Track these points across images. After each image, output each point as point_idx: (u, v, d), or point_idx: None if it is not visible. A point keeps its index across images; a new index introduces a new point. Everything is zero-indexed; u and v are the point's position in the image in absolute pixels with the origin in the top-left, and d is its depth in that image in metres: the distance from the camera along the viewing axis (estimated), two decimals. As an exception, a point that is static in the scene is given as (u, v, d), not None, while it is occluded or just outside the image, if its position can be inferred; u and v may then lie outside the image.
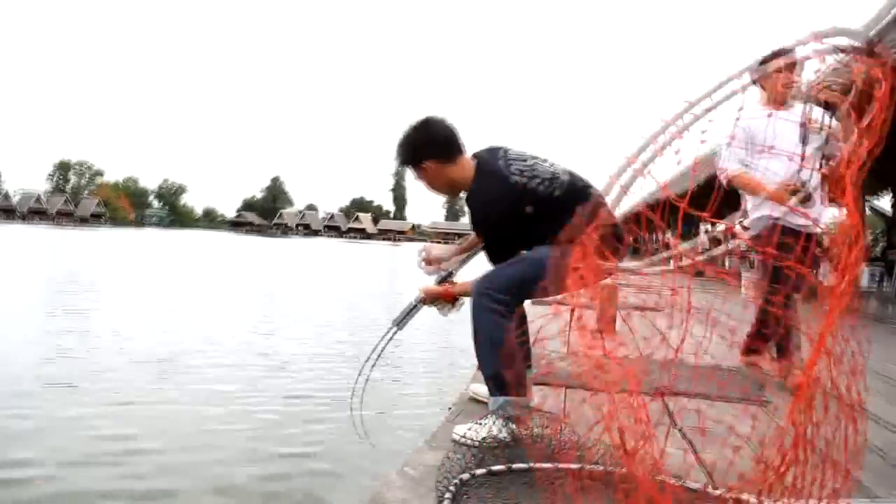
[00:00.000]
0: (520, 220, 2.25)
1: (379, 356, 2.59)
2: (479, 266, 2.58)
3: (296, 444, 3.92)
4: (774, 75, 3.35)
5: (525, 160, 2.33)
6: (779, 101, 3.48)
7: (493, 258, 2.33)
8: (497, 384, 2.18)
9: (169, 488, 3.17)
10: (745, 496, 1.63)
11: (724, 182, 3.45)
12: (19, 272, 15.33)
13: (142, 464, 3.42)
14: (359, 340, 7.68)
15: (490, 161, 2.31)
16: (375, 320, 8.99)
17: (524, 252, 2.30)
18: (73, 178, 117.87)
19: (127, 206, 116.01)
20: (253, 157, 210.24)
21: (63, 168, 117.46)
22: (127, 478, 3.23)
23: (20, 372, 5.04)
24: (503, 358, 2.18)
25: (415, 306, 2.59)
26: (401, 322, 2.62)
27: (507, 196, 2.23)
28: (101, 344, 6.55)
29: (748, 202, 3.67)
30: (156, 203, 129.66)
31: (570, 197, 2.28)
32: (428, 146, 2.32)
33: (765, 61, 3.32)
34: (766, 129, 3.29)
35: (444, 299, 2.53)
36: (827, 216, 3.49)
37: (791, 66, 3.27)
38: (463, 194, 2.44)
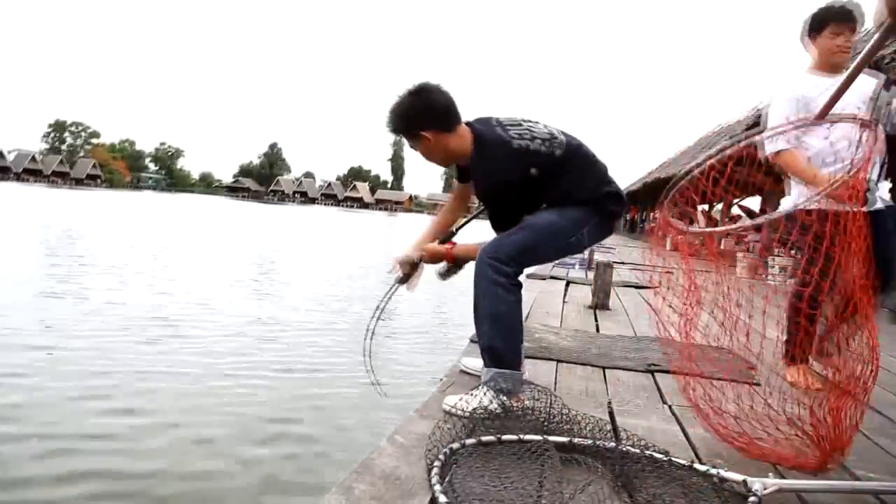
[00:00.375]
0: (525, 184, 2.24)
1: (381, 311, 2.57)
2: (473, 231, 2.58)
3: (287, 412, 3.95)
4: (829, 35, 2.89)
5: (520, 124, 2.32)
6: (835, 66, 2.91)
7: (498, 226, 2.31)
8: (492, 356, 2.19)
9: (159, 458, 3.20)
10: (729, 474, 1.65)
11: (765, 160, 2.99)
12: (14, 233, 15.26)
13: (136, 436, 3.44)
14: (354, 310, 7.72)
15: (487, 129, 2.29)
16: (370, 290, 9.01)
17: (528, 218, 2.29)
18: (68, 139, 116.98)
19: (123, 168, 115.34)
20: (251, 123, 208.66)
21: (59, 128, 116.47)
22: (122, 453, 3.21)
23: (7, 340, 5.02)
24: (502, 331, 2.19)
25: (416, 264, 2.57)
26: (404, 280, 2.60)
27: (511, 159, 2.21)
28: (96, 310, 6.53)
29: (791, 184, 3.19)
30: (152, 166, 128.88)
31: (569, 156, 2.30)
32: (426, 115, 2.27)
33: (817, 20, 2.96)
34: (821, 99, 2.58)
35: (444, 259, 2.51)
36: (884, 192, 3.04)
37: (848, 25, 2.88)
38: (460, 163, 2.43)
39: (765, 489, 1.57)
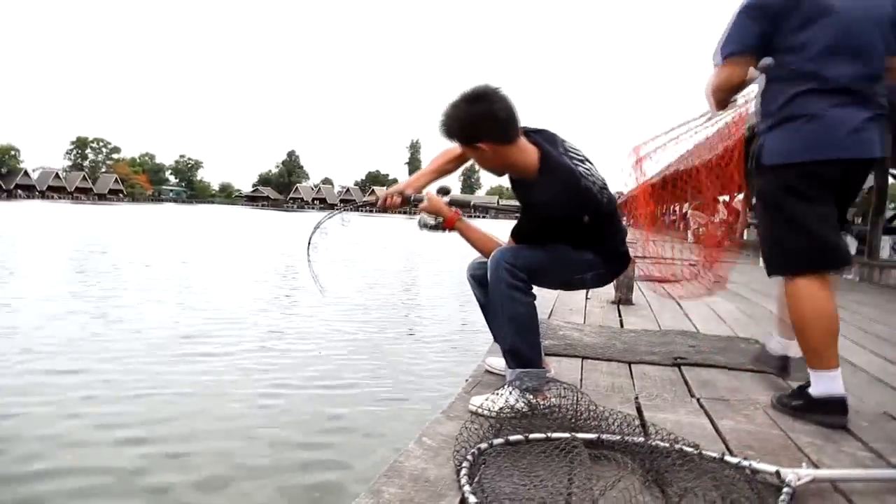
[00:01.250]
0: (573, 224, 2.23)
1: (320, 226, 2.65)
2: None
3: (315, 417, 3.98)
4: None
5: (582, 158, 2.27)
6: None
7: (522, 237, 2.27)
8: (515, 358, 2.20)
9: (185, 466, 3.24)
10: (761, 465, 1.63)
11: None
12: (41, 251, 15.54)
13: (155, 448, 3.49)
14: (376, 317, 7.75)
15: (556, 154, 2.20)
16: (392, 296, 9.04)
17: (554, 246, 2.28)
18: (90, 155, 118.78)
19: (144, 182, 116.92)
20: (269, 132, 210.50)
21: (81, 145, 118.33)
22: (143, 468, 3.27)
23: (33, 355, 5.08)
24: (523, 332, 2.19)
25: (407, 200, 2.53)
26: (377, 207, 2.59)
27: (577, 198, 2.16)
28: (120, 325, 6.63)
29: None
30: (172, 179, 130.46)
31: (611, 209, 2.32)
32: (485, 125, 2.10)
33: None
34: None
35: (444, 222, 2.44)
36: None
37: None
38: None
39: (798, 479, 1.55)
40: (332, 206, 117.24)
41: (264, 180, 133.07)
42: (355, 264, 14.65)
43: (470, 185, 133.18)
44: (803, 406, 2.23)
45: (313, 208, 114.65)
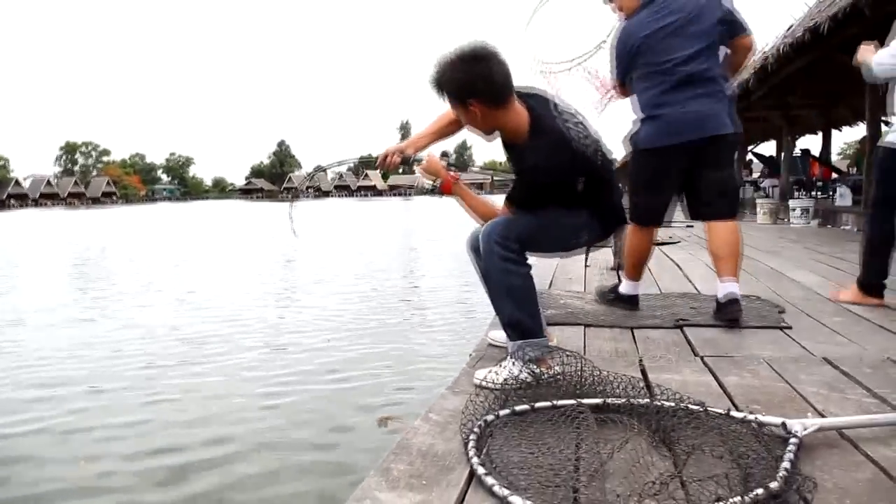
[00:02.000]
0: (567, 188, 2.21)
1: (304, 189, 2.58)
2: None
3: (322, 399, 4.01)
4: None
5: (577, 121, 2.22)
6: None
7: (516, 203, 2.23)
8: (515, 330, 2.19)
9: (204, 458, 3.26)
10: (767, 418, 1.64)
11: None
12: (38, 256, 15.51)
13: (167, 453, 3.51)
14: (378, 304, 7.76)
15: (547, 117, 2.16)
16: (394, 286, 9.05)
17: (546, 211, 2.25)
18: (80, 160, 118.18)
19: (137, 182, 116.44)
20: (257, 124, 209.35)
21: (70, 150, 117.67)
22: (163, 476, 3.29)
23: (42, 365, 5.09)
24: (520, 302, 2.18)
25: (407, 159, 2.46)
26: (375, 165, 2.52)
27: (568, 163, 2.14)
28: (123, 331, 6.63)
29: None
30: (164, 177, 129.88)
31: (607, 169, 2.30)
32: (480, 86, 2.05)
33: None
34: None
35: (442, 186, 2.37)
36: None
37: None
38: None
39: (804, 429, 1.55)
40: (326, 194, 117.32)
41: (257, 172, 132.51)
42: (353, 248, 14.65)
43: (463, 160, 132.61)
44: (613, 298, 3.39)
45: (308, 197, 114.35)
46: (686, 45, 2.86)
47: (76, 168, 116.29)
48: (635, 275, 3.32)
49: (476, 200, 2.37)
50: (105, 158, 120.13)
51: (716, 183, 2.99)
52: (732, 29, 2.94)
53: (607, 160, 2.31)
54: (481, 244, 2.19)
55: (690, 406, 1.72)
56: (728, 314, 2.93)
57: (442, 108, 2.29)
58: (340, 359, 4.99)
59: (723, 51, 2.95)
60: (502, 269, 2.14)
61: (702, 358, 2.44)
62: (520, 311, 2.17)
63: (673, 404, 1.74)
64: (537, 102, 2.21)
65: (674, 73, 2.86)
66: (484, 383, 2.06)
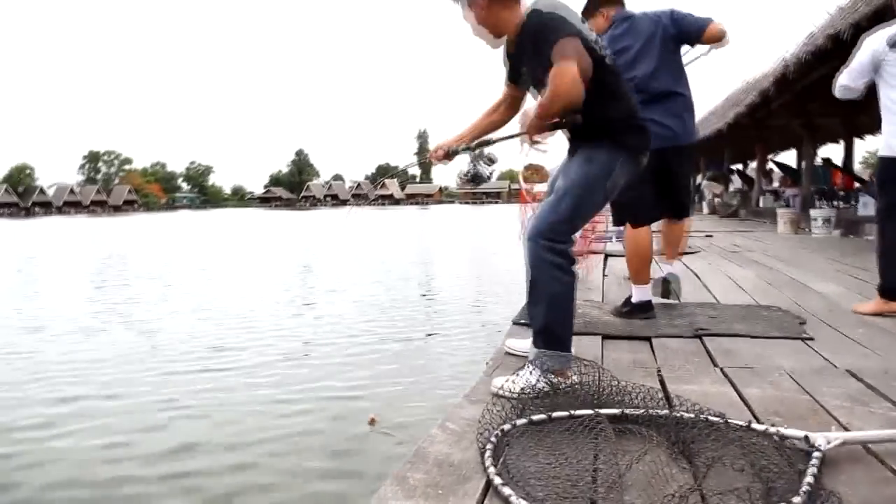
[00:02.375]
0: None
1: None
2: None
3: (339, 406, 4.01)
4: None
5: (583, 20, 2.17)
6: None
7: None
8: (547, 337, 2.15)
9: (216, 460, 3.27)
10: (790, 430, 1.61)
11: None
12: (61, 263, 15.73)
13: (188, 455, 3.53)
14: (396, 314, 7.76)
15: (544, 7, 2.08)
16: (411, 293, 9.06)
17: (560, 181, 2.21)
18: (103, 168, 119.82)
19: (157, 190, 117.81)
20: (276, 133, 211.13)
21: (93, 158, 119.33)
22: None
23: (60, 372, 5.14)
24: (559, 312, 2.16)
25: (454, 154, 2.42)
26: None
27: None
28: (145, 339, 6.68)
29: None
30: (185, 186, 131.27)
31: (613, 70, 2.21)
32: None
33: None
34: None
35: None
36: None
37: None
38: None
39: (828, 443, 1.52)
40: (344, 203, 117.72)
41: (275, 181, 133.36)
42: (372, 254, 14.69)
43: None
44: (628, 311, 3.35)
45: (325, 205, 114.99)
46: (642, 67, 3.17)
47: (99, 176, 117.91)
48: (642, 278, 3.37)
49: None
50: (127, 167, 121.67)
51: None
52: (688, 35, 3.20)
53: (614, 65, 2.23)
54: (528, 247, 2.15)
55: (710, 418, 1.69)
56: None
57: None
58: (357, 366, 5.00)
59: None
60: (549, 276, 2.11)
61: (721, 369, 2.41)
62: (554, 320, 2.15)
63: (693, 416, 1.72)
64: (542, 4, 2.13)
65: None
66: (501, 392, 2.05)
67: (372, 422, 3.69)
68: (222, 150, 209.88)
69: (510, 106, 2.48)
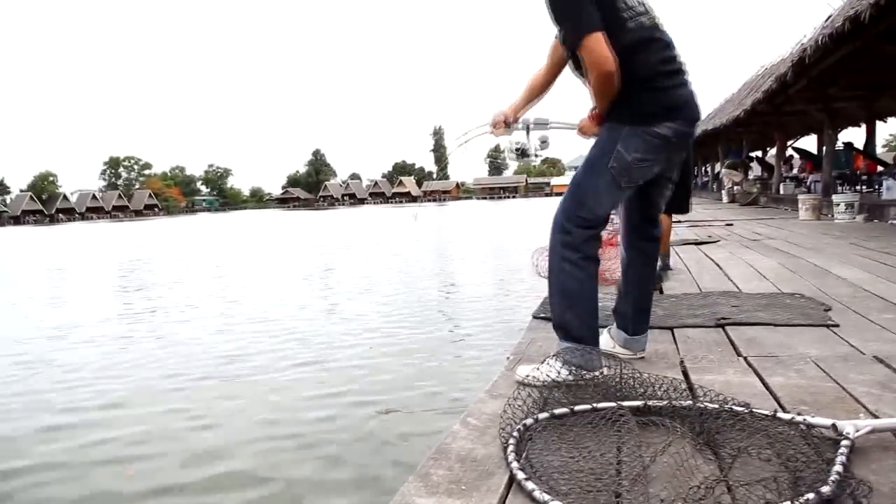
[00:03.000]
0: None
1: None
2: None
3: (361, 402, 4.03)
4: None
5: None
6: None
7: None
8: (564, 331, 2.15)
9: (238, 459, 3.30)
10: (816, 419, 1.58)
11: None
12: (85, 269, 15.95)
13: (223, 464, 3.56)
14: (413, 312, 7.77)
15: None
16: (431, 290, 9.07)
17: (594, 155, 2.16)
18: (123, 173, 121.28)
19: (177, 194, 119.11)
20: (293, 133, 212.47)
21: (113, 164, 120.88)
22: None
23: (81, 378, 5.20)
24: (573, 306, 2.14)
25: (509, 125, 2.43)
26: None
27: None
28: (169, 345, 6.76)
29: None
30: (204, 189, 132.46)
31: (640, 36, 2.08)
32: None
33: None
34: None
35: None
36: None
37: None
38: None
39: (857, 431, 1.50)
40: (361, 201, 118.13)
41: (293, 181, 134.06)
42: (390, 249, 14.73)
43: (497, 166, 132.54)
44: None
45: (343, 204, 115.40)
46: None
47: (120, 182, 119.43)
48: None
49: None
50: (147, 172, 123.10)
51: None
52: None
53: (642, 27, 2.08)
54: (549, 237, 2.16)
55: (735, 408, 1.67)
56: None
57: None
58: (377, 365, 5.01)
59: None
60: (559, 270, 2.11)
61: (745, 358, 2.38)
62: (571, 314, 2.14)
63: (717, 406, 1.70)
64: None
65: None
66: (527, 380, 2.05)
67: (386, 412, 3.75)
68: (240, 152, 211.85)
69: (553, 58, 2.41)
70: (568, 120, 2.43)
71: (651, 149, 2.08)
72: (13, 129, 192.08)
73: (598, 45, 1.96)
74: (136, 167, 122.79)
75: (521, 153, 2.46)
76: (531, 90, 2.47)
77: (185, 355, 5.62)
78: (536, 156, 2.51)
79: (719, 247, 6.47)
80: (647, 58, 2.07)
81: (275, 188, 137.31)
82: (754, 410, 1.65)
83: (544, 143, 2.50)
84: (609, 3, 2.02)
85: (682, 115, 2.11)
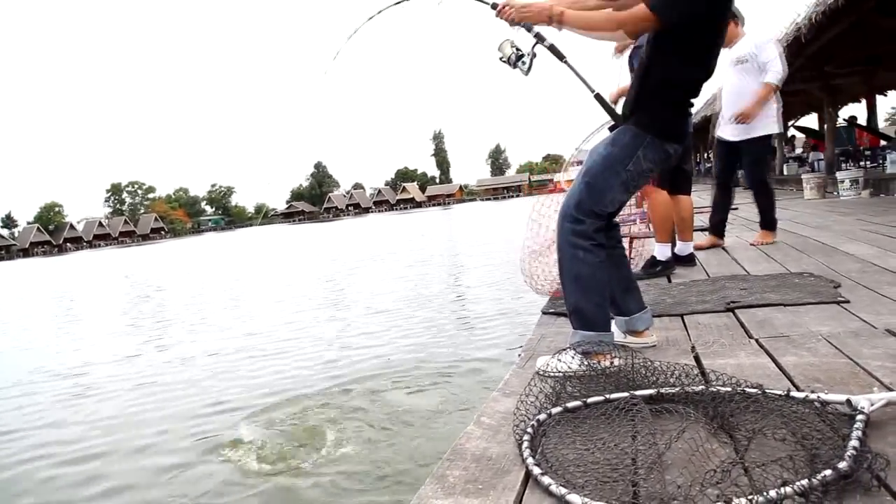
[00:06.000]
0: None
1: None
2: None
3: (380, 406, 4.04)
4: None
5: None
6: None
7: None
8: (578, 318, 2.18)
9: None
10: (830, 396, 1.58)
11: None
12: (95, 295, 16.04)
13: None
14: (426, 315, 7.78)
15: None
16: (441, 294, 9.07)
17: (584, 164, 2.21)
18: (127, 199, 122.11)
19: (183, 216, 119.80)
20: (293, 148, 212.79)
21: (116, 191, 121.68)
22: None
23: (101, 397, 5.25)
24: (585, 292, 2.16)
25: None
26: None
27: None
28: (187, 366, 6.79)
29: None
30: (208, 209, 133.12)
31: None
32: None
33: None
34: None
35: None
36: None
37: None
38: None
39: (871, 405, 1.49)
40: (366, 210, 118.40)
41: (297, 195, 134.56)
42: (400, 257, 14.74)
43: (499, 166, 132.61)
44: (660, 269, 4.07)
45: (348, 215, 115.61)
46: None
47: (124, 207, 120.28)
48: (664, 235, 4.08)
49: (588, 17, 2.10)
50: (151, 195, 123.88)
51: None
52: None
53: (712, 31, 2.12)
54: (558, 222, 2.19)
55: (748, 390, 1.67)
56: (689, 261, 4.30)
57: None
58: (390, 363, 5.03)
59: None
60: (571, 255, 2.14)
61: (756, 340, 2.37)
62: (584, 301, 2.16)
63: (730, 389, 1.69)
64: None
65: None
66: (546, 370, 2.08)
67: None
68: (242, 169, 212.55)
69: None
70: (587, 77, 2.19)
71: (659, 162, 2.21)
72: (17, 161, 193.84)
73: (648, 25, 2.03)
74: (139, 192, 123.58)
75: (513, 59, 2.19)
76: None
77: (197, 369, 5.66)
78: (520, 68, 2.19)
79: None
80: (694, 82, 2.18)
81: (279, 203, 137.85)
82: (767, 391, 1.64)
83: (529, 63, 2.20)
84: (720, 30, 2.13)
85: (683, 141, 2.24)
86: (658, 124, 2.16)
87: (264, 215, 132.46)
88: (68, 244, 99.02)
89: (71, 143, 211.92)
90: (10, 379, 6.44)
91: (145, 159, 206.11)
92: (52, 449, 4.12)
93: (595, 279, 2.16)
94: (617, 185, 2.19)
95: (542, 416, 1.69)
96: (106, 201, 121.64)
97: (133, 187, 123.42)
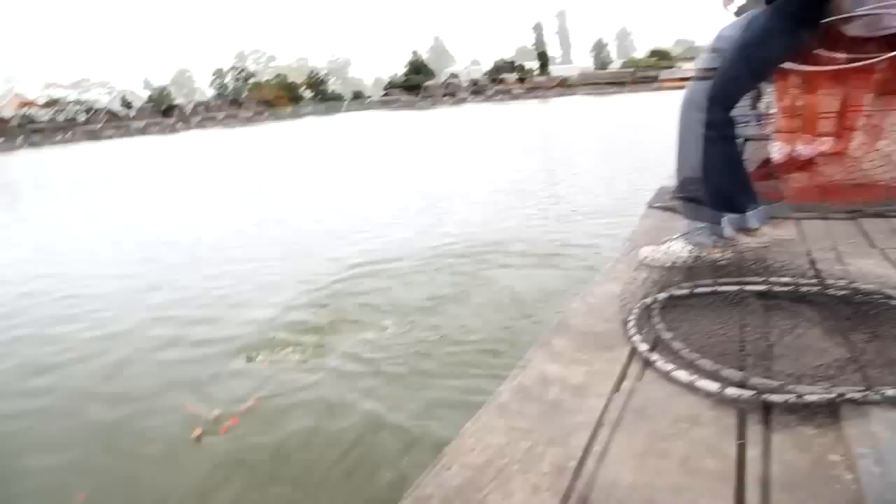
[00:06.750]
0: None
1: None
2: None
3: (476, 297, 4.15)
4: None
5: None
6: None
7: None
8: (721, 201, 2.08)
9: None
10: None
11: None
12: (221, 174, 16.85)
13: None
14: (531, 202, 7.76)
15: None
16: (543, 184, 8.96)
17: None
18: (230, 84, 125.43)
19: (284, 100, 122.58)
20: (411, 18, 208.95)
21: (240, 58, 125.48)
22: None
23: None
24: (722, 175, 2.07)
25: None
26: None
27: None
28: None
29: None
30: (307, 94, 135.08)
31: None
32: None
33: None
34: None
35: None
36: None
37: None
38: None
39: None
40: (462, 100, 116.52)
41: (414, 67, 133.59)
42: (490, 156, 14.59)
43: (602, 60, 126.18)
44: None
45: (444, 103, 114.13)
46: None
47: (227, 92, 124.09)
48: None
49: None
50: (272, 64, 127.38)
51: None
52: None
53: None
54: (678, 114, 2.10)
55: (869, 293, 1.60)
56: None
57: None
58: (491, 255, 5.12)
59: None
60: (696, 141, 2.04)
61: (882, 250, 2.23)
62: (725, 182, 2.07)
63: (847, 291, 1.63)
64: None
65: None
66: (648, 261, 2.08)
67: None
68: (362, 38, 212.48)
69: None
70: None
71: (791, 49, 2.13)
72: (151, 25, 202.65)
73: None
74: (261, 59, 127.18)
75: None
76: None
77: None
78: None
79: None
80: None
81: (396, 72, 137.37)
82: (890, 293, 1.57)
83: None
84: None
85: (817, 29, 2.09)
86: (794, 6, 1.96)
87: (361, 102, 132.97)
88: (178, 124, 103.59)
89: (198, 8, 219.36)
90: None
91: (268, 27, 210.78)
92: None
93: (727, 159, 2.06)
94: (748, 69, 2.06)
95: (649, 300, 1.70)
96: (211, 84, 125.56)
97: (257, 55, 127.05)
